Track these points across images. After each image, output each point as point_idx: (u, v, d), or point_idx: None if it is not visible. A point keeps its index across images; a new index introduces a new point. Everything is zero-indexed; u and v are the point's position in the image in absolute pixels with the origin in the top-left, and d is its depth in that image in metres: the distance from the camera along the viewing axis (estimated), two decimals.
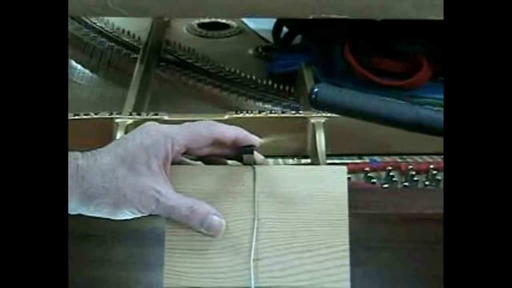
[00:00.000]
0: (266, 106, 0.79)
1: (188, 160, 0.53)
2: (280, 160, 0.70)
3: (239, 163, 0.53)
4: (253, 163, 0.52)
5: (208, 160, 0.53)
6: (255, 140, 0.52)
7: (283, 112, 0.72)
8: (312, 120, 0.68)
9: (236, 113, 0.70)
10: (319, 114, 0.69)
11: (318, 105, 0.53)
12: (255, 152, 0.52)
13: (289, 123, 0.70)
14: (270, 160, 0.69)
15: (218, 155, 0.53)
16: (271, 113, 0.71)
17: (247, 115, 0.70)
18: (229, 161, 0.54)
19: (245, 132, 0.52)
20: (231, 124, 0.52)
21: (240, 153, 0.52)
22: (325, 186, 0.51)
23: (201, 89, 0.82)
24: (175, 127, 0.50)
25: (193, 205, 0.49)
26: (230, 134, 0.51)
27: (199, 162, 0.54)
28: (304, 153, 0.71)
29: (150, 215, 0.49)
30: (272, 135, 0.69)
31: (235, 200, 0.51)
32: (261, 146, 0.52)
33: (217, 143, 0.51)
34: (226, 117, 0.69)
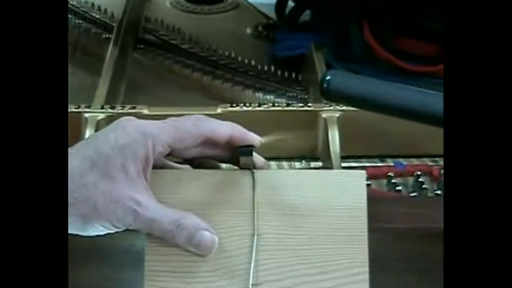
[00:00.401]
0: (267, 97, 0.79)
1: (173, 164, 0.54)
2: (284, 164, 0.71)
3: (235, 167, 0.54)
4: (252, 167, 0.52)
5: (197, 163, 0.54)
6: (255, 138, 0.52)
7: (288, 105, 0.72)
8: (324, 115, 0.69)
9: (231, 105, 0.70)
10: (332, 107, 0.69)
11: (331, 95, 0.53)
12: (254, 154, 0.52)
13: (296, 118, 0.70)
14: (273, 163, 0.70)
15: (209, 157, 0.54)
16: (273, 105, 0.71)
17: (244, 108, 0.70)
18: (223, 165, 0.55)
19: (242, 130, 0.52)
20: (225, 119, 0.53)
21: (236, 154, 0.52)
22: (340, 194, 0.51)
23: (188, 76, 0.82)
24: (157, 123, 0.51)
25: (179, 218, 0.49)
26: (224, 132, 0.51)
27: (186, 166, 0.54)
28: (314, 154, 0.71)
29: (127, 230, 0.50)
30: (275, 132, 0.70)
31: (230, 212, 0.51)
32: (261, 146, 0.53)
33: (208, 142, 0.52)
34: (219, 110, 0.69)
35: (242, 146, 0.52)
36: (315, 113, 0.70)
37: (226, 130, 0.52)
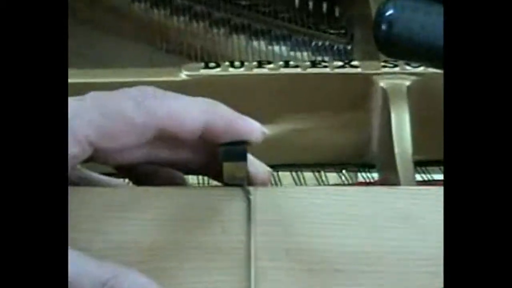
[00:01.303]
0: (276, 48, 0.82)
1: (99, 176, 0.57)
2: (308, 176, 0.72)
3: (217, 183, 0.56)
4: (245, 182, 0.54)
5: (144, 174, 0.56)
6: (252, 129, 0.54)
7: (315, 64, 0.73)
8: (382, 83, 0.71)
9: (207, 66, 0.71)
10: (398, 69, 0.71)
11: (395, 46, 0.55)
12: (250, 158, 0.54)
13: (330, 88, 0.72)
14: (287, 175, 0.71)
15: (166, 163, 0.56)
16: (287, 65, 0.72)
17: (232, 70, 0.71)
18: (192, 178, 0.58)
19: (227, 114, 0.54)
20: (196, 93, 0.54)
21: (218, 159, 0.54)
22: (414, 233, 0.53)
23: (125, 10, 0.84)
24: (71, 102, 0.52)
25: (111, 276, 0.50)
26: (193, 119, 0.53)
27: (119, 181, 0.58)
28: (363, 158, 0.73)
29: None
30: (289, 117, 0.71)
31: (205, 266, 0.53)
32: (265, 142, 0.54)
33: (165, 138, 0.54)
34: (184, 75, 0.70)
35: (229, 144, 0.53)
36: (366, 80, 0.71)
37: (198, 115, 0.53)
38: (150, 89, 0.54)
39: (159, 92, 0.54)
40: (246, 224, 0.53)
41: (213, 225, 0.53)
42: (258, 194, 0.54)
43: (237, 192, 0.54)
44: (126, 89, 0.54)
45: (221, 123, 0.53)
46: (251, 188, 0.54)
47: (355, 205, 0.54)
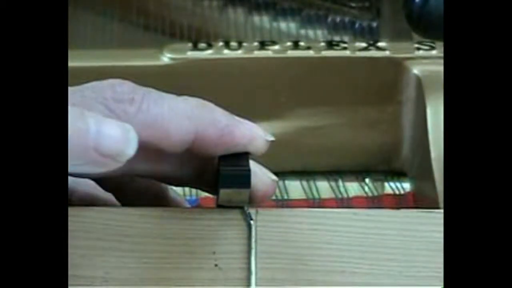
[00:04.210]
0: (282, 26, 0.79)
1: None
2: (323, 187, 0.71)
3: (207, 194, 0.57)
4: (246, 202, 0.53)
5: (114, 185, 0.57)
6: (253, 138, 0.53)
7: (331, 45, 0.73)
8: (416, 70, 0.70)
9: (195, 47, 0.70)
10: (434, 52, 0.71)
11: (431, 22, 0.57)
12: (251, 163, 0.52)
13: (352, 76, 0.72)
14: (296, 185, 0.69)
15: (145, 176, 0.56)
16: (296, 46, 0.72)
17: (227, 53, 0.70)
18: (174, 190, 0.58)
19: (221, 120, 0.53)
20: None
21: (210, 175, 0.54)
22: None
23: None
24: None
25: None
26: (179, 130, 0.52)
27: None
28: (392, 163, 0.73)
29: None
30: (299, 113, 0.70)
31: None
32: (271, 149, 0.53)
33: (144, 147, 0.52)
34: (167, 58, 0.68)
35: (227, 156, 0.52)
36: (396, 65, 0.72)
37: (186, 125, 0.52)
38: (126, 89, 0.52)
39: (138, 92, 0.52)
40: (246, 257, 0.52)
41: (205, 258, 0.52)
42: (260, 219, 0.52)
43: (234, 215, 0.53)
44: (97, 86, 0.52)
45: (214, 133, 0.52)
46: (252, 211, 0.52)
47: (386, 234, 0.53)
